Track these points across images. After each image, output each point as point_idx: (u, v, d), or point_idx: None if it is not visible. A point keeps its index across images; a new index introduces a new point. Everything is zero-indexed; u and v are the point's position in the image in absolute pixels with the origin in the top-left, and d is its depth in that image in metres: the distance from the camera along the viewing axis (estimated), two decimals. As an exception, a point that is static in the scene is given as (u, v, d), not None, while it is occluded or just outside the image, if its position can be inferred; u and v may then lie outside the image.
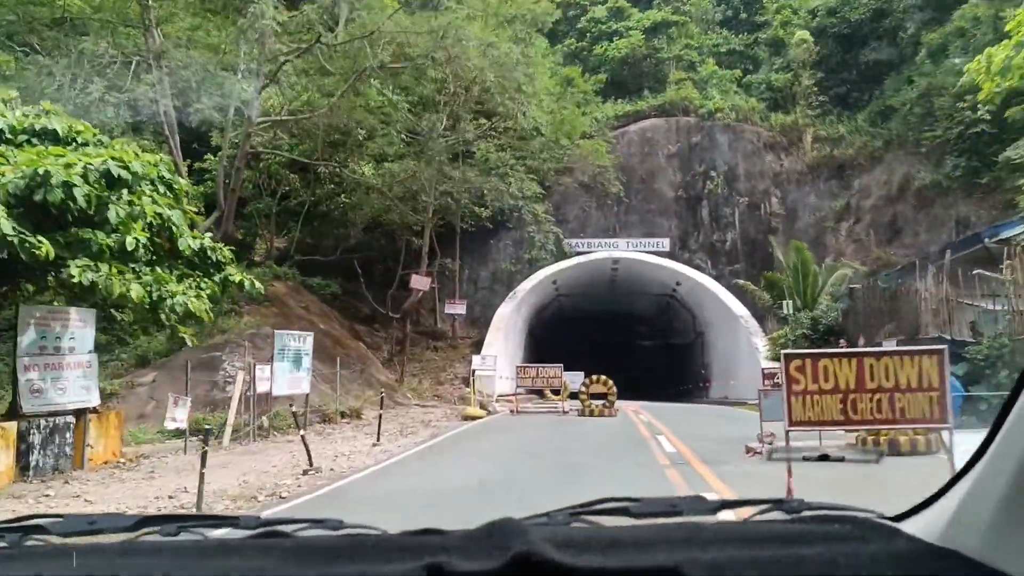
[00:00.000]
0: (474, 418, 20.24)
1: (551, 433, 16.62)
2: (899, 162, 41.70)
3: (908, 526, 1.31)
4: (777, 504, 1.43)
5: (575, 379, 30.99)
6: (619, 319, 53.14)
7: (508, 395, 31.09)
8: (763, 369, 27.49)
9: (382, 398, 17.71)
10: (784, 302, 31.32)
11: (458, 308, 38.02)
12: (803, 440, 11.58)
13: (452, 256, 43.58)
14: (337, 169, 34.74)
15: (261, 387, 16.68)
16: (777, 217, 43.18)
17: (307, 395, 18.39)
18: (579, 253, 42.79)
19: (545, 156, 39.24)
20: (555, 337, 54.30)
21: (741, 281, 37.52)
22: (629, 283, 44.82)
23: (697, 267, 42.03)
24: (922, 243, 38.69)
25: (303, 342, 18.07)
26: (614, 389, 20.63)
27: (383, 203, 34.95)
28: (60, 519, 1.40)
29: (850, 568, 1.03)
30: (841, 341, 22.46)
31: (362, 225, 39.44)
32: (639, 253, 42.45)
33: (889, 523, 1.34)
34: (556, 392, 25.75)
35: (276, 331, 17.48)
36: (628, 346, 59.11)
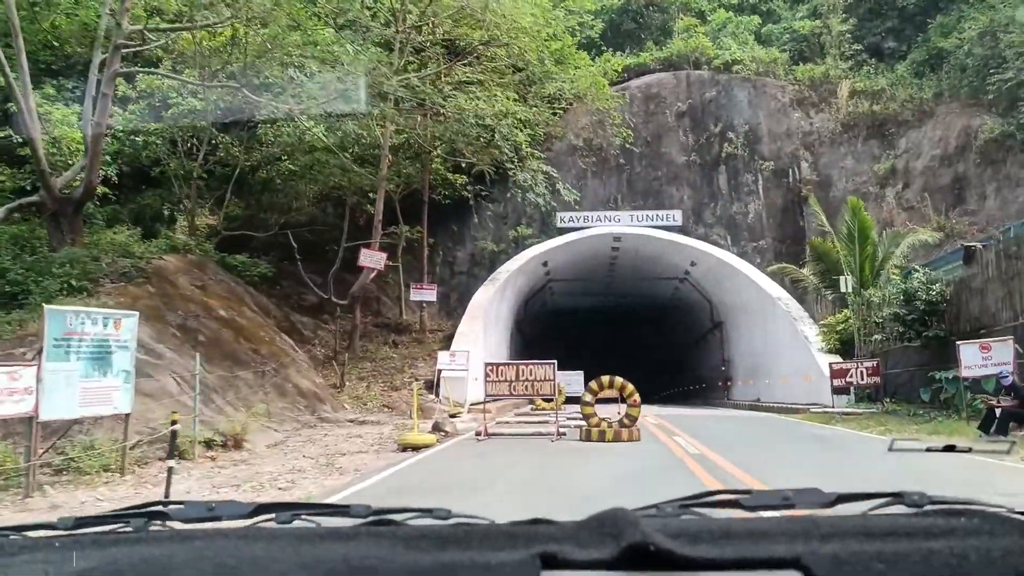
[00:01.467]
0: (416, 448, 12.73)
1: (526, 493, 8.94)
2: (955, 115, 34.26)
3: None
4: (897, 497, 1.37)
5: (572, 381, 23.54)
6: (621, 308, 45.61)
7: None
8: (831, 365, 20.01)
9: (311, 413, 10.19)
10: (841, 278, 23.79)
11: (426, 294, 30.47)
12: None
13: (428, 231, 36.22)
14: (274, 126, 27.25)
15: (10, 407, 9.08)
16: (808, 184, 35.66)
17: (127, 416, 10.84)
18: (574, 229, 35.25)
19: (533, 92, 31.66)
20: (547, 331, 46.72)
21: (777, 266, 29.94)
22: (634, 264, 37.26)
23: (714, 244, 34.53)
24: (993, 208, 31.30)
25: (116, 327, 10.49)
26: (637, 398, 13.06)
27: (338, 168, 27.49)
28: (181, 505, 1.44)
29: (981, 563, 0.95)
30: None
31: (314, 196, 31.97)
32: (645, 228, 34.92)
33: (1020, 517, 1.19)
34: (549, 400, 18.27)
35: (48, 308, 9.81)
36: (633, 340, 51.55)
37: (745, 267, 31.33)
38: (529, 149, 31.05)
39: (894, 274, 23.80)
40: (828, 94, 37.39)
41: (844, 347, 23.21)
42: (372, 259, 25.78)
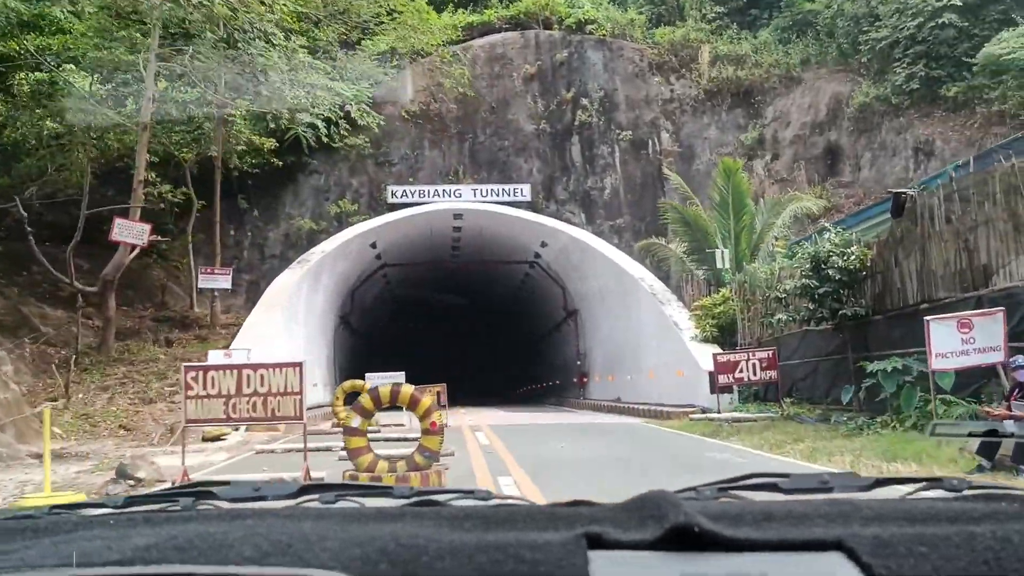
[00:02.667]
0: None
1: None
2: (825, 80, 30.90)
3: None
4: (936, 482, 1.37)
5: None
6: (470, 297, 40.30)
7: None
8: (715, 357, 15.32)
9: None
10: (717, 252, 19.27)
11: (218, 280, 24.22)
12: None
13: (233, 208, 29.94)
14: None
15: None
16: (669, 156, 31.47)
17: None
18: (409, 205, 29.66)
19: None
20: (383, 326, 40.72)
21: (645, 241, 25.40)
22: (480, 246, 32.01)
23: (568, 222, 29.74)
24: (869, 179, 27.87)
25: None
26: (437, 419, 7.48)
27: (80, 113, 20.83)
28: (227, 485, 1.48)
29: None
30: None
31: (96, 167, 24.98)
32: (490, 204, 29.71)
33: None
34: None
35: None
36: (483, 334, 46.40)
37: (601, 245, 26.62)
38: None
39: (778, 247, 19.49)
40: (689, 59, 33.34)
41: (723, 334, 18.72)
42: (130, 232, 19.36)
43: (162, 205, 25.84)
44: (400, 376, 18.37)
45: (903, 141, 27.13)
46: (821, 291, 12.67)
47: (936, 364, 8.96)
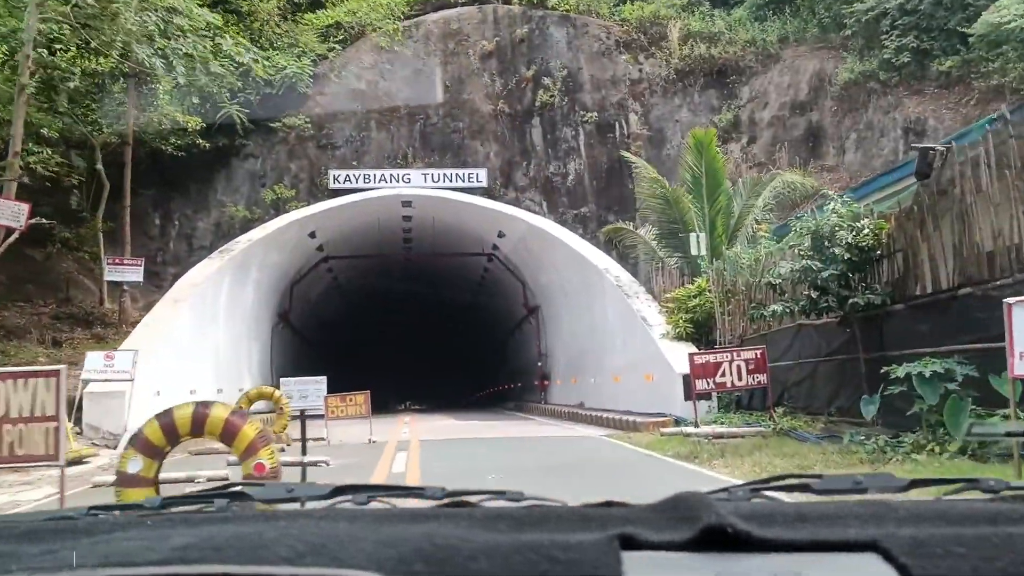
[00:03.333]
0: None
1: None
2: (805, 57, 28.29)
3: None
4: (973, 483, 1.32)
5: (310, 393, 15.07)
6: (425, 295, 37.25)
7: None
8: (692, 357, 12.52)
9: None
10: (692, 236, 16.53)
11: (127, 272, 21.15)
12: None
13: (160, 195, 26.99)
14: None
15: None
16: (638, 140, 28.74)
17: None
18: (353, 191, 26.68)
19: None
20: (331, 327, 37.60)
21: (611, 226, 22.74)
22: (433, 237, 29.11)
23: (528, 210, 26.90)
24: (854, 162, 25.31)
25: None
26: (274, 457, 4.78)
27: None
28: (262, 486, 1.50)
29: None
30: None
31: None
32: (442, 190, 26.81)
33: None
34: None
35: None
36: (442, 335, 43.39)
37: (563, 233, 23.82)
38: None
39: (761, 231, 16.78)
40: (659, 36, 30.58)
41: (699, 331, 15.96)
42: (2, 213, 16.21)
43: (74, 186, 22.81)
44: (321, 382, 15.45)
45: (891, 121, 24.57)
46: (825, 275, 9.89)
47: (1021, 367, 6.18)
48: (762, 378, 12.08)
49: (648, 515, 1.01)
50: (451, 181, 27.32)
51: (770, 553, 0.89)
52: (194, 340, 18.60)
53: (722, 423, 12.74)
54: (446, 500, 1.34)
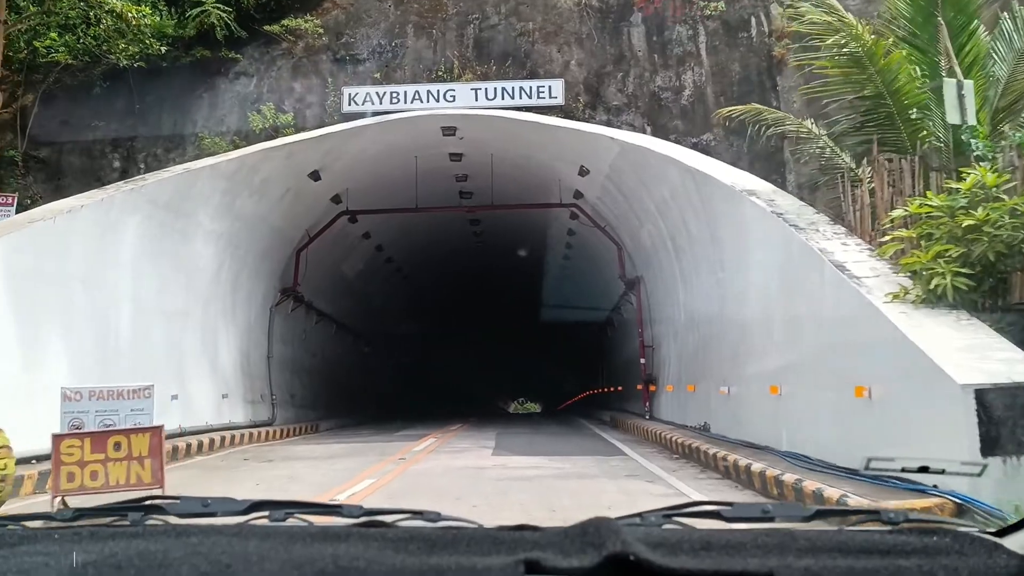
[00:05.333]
0: None
1: None
2: None
3: (1010, 542, 1.19)
4: (874, 515, 1.35)
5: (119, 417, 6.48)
6: (492, 268, 28.66)
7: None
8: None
9: None
10: (949, 85, 7.20)
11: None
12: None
13: (123, 124, 20.23)
14: None
15: None
16: (784, 38, 19.21)
17: None
18: (378, 114, 18.44)
19: None
20: (374, 313, 29.16)
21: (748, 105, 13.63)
22: (497, 179, 20.39)
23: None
24: None
25: None
26: None
27: None
28: (177, 500, 1.41)
29: None
30: None
31: None
32: (500, 110, 18.17)
33: (991, 538, 1.19)
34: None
35: None
36: (520, 324, 34.56)
37: (673, 150, 14.86)
38: None
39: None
40: None
41: (981, 284, 6.78)
42: None
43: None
44: (145, 392, 7.25)
45: None
46: None
47: None
48: None
49: (557, 540, 0.99)
50: (512, 97, 18.67)
51: None
52: (40, 315, 10.70)
53: None
54: (363, 519, 1.27)
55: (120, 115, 19.74)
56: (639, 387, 20.51)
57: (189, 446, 12.88)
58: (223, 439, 14.70)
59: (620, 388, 25.30)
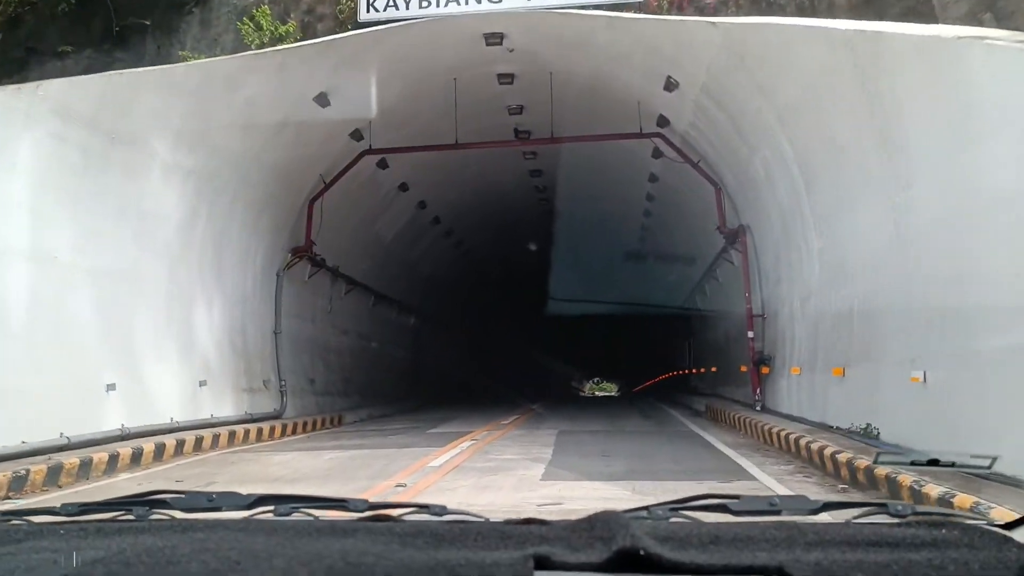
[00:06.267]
0: None
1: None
2: None
3: (1019, 535, 1.15)
4: (882, 507, 1.32)
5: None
6: (572, 213, 23.94)
7: None
8: None
9: None
10: None
11: None
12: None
13: (102, 55, 16.51)
14: None
15: None
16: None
17: None
18: (402, 20, 14.05)
19: None
20: (430, 286, 24.86)
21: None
22: (554, 105, 15.79)
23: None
24: None
25: None
26: None
27: None
28: (182, 495, 1.39)
29: (959, 575, 0.95)
30: None
31: None
32: (561, 7, 13.51)
33: (999, 531, 1.18)
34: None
35: None
36: (592, 287, 29.90)
37: (811, 21, 10.04)
38: None
39: None
40: None
41: None
42: None
43: None
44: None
45: None
46: None
47: None
48: None
49: (565, 534, 0.98)
50: (576, -8, 14.04)
51: None
52: None
53: None
54: (368, 513, 1.27)
55: (97, 39, 16.08)
56: (743, 368, 15.87)
57: (114, 457, 8.88)
58: (185, 443, 10.67)
59: (715, 369, 20.60)
